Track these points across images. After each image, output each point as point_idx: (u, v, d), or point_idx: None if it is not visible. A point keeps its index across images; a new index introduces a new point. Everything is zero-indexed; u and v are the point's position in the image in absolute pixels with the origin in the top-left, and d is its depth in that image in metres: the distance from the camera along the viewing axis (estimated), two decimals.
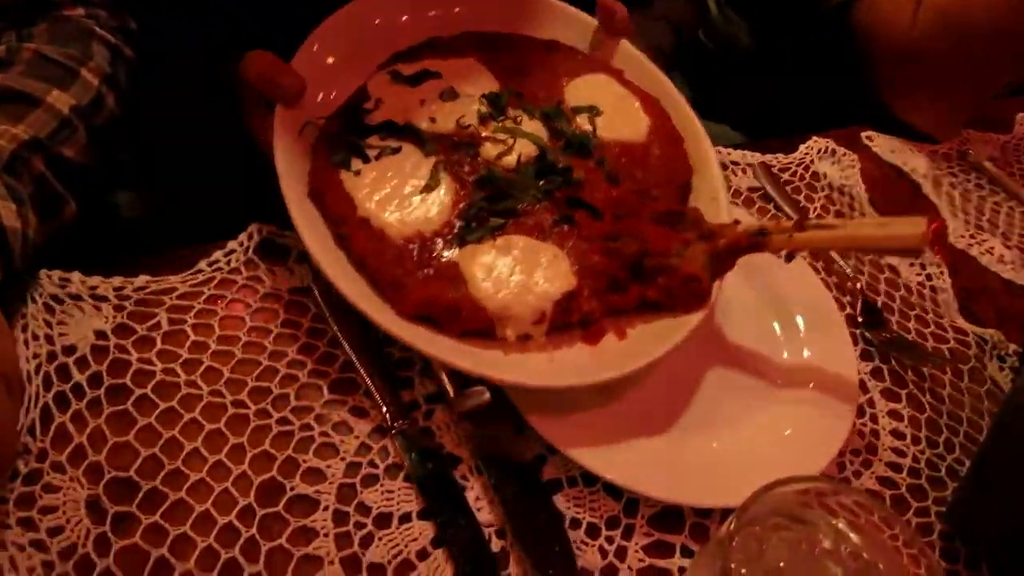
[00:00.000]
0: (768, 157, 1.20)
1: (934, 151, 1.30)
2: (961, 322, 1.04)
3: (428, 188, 0.83)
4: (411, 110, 0.89)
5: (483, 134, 0.89)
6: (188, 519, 0.70)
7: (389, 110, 0.88)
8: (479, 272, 0.79)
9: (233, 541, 0.69)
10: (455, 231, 0.81)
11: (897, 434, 0.91)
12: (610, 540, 0.76)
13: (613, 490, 0.79)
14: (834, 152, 1.23)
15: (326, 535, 0.71)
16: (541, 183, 0.86)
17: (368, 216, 0.80)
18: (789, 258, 0.85)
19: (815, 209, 1.15)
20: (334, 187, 0.82)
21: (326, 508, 0.72)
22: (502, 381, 0.75)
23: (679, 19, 1.32)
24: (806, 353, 0.93)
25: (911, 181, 1.24)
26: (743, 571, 0.55)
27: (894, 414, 0.93)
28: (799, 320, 0.96)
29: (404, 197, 0.82)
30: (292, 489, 0.73)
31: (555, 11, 1.03)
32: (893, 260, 1.10)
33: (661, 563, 0.75)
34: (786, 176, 1.19)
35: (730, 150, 1.20)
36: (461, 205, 0.83)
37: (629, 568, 0.75)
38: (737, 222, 0.85)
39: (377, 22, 0.96)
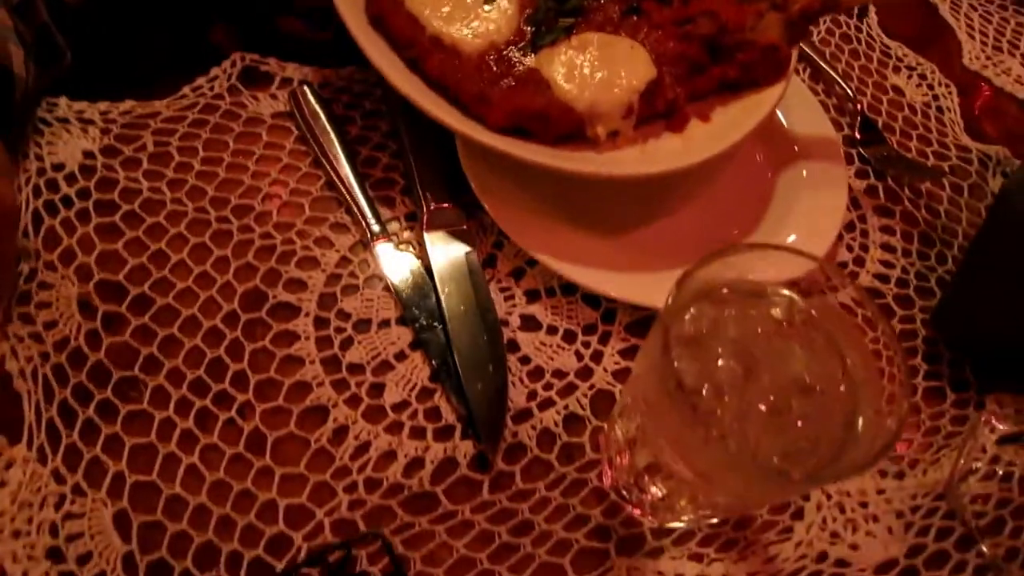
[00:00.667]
0: None
1: None
2: (966, 140, 1.01)
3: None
4: None
5: None
6: (175, 322, 0.73)
7: None
8: (561, 74, 0.78)
9: (218, 342, 0.73)
10: (527, 37, 0.80)
11: (887, 247, 0.90)
12: (586, 345, 0.78)
13: (592, 300, 0.80)
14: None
15: (307, 338, 0.74)
16: None
17: (438, 34, 0.79)
18: (862, 14, 0.91)
19: (821, 32, 1.10)
20: (395, 8, 0.80)
21: (307, 314, 0.76)
22: (600, 175, 0.75)
23: None
24: (804, 173, 0.91)
25: (928, 3, 1.17)
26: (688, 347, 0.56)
27: (886, 229, 0.92)
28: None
29: (469, 10, 0.80)
30: (274, 297, 0.76)
31: None
32: (899, 80, 1.06)
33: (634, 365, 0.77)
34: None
35: None
36: (527, 11, 0.82)
37: (604, 369, 0.77)
38: None
39: None
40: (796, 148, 0.92)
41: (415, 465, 0.70)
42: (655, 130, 0.81)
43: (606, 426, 0.73)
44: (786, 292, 0.58)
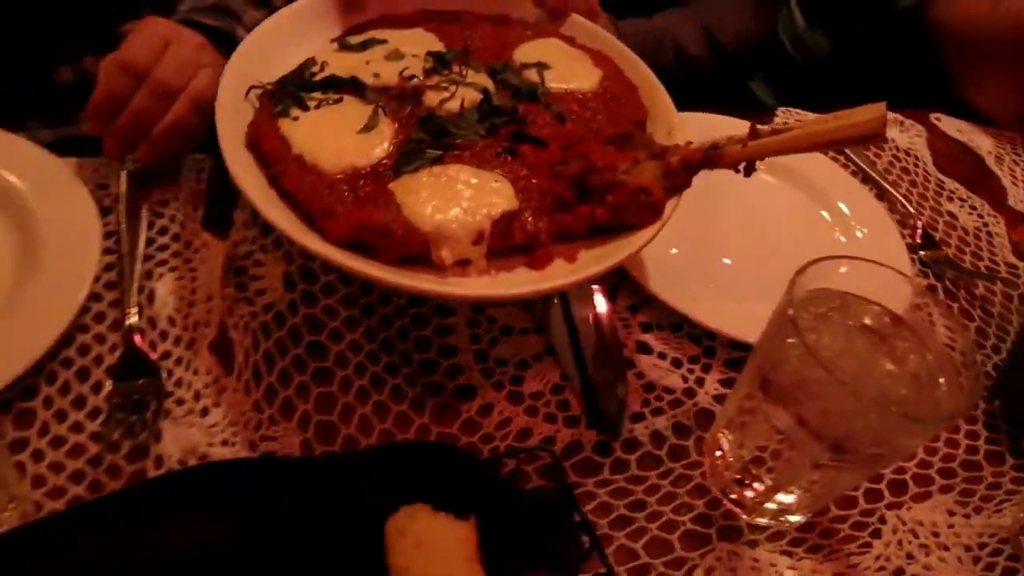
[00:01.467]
0: None
1: (999, 134, 1.43)
2: (1013, 259, 1.16)
3: (367, 128, 0.82)
4: (355, 68, 0.88)
5: (427, 84, 0.87)
6: (355, 307, 0.88)
7: (333, 71, 0.88)
8: (414, 198, 0.76)
9: (389, 326, 0.87)
10: (391, 166, 0.79)
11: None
12: (691, 371, 0.91)
13: (695, 338, 0.94)
14: (902, 123, 1.37)
15: (461, 333, 0.88)
16: (483, 125, 0.84)
17: (302, 152, 0.78)
18: (748, 171, 0.79)
19: (882, 163, 1.29)
20: (271, 133, 0.80)
21: (462, 314, 0.90)
22: (439, 294, 0.74)
23: (711, 21, 1.38)
24: (859, 233, 1.06)
25: (974, 155, 1.36)
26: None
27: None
28: (843, 206, 1.10)
29: (340, 137, 0.80)
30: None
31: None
32: (953, 207, 1.23)
33: None
34: None
35: (804, 112, 1.34)
36: (401, 142, 0.81)
37: (706, 393, 0.89)
38: (690, 143, 0.81)
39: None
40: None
41: (547, 443, 0.81)
42: (511, 263, 0.78)
43: (709, 435, 0.84)
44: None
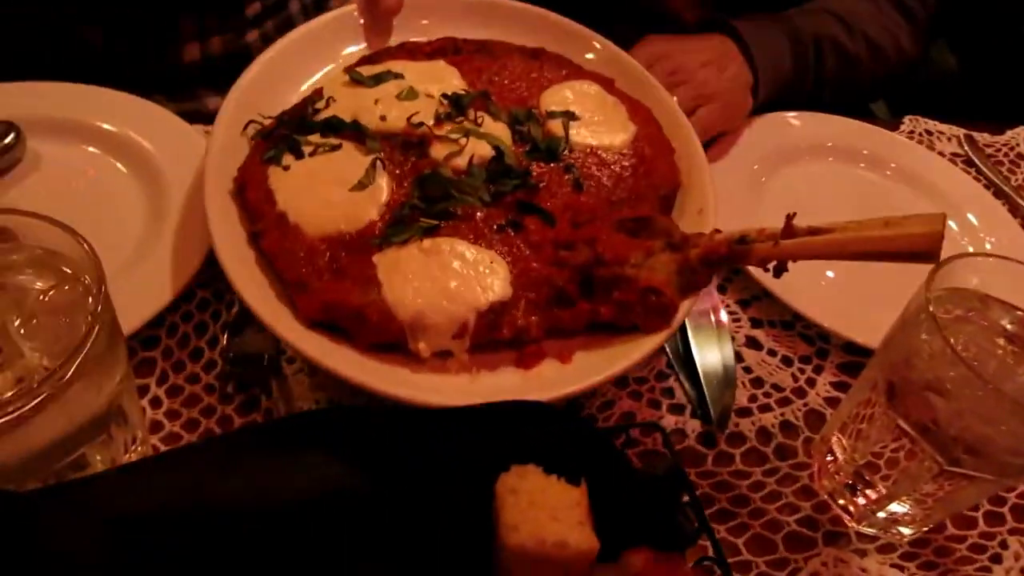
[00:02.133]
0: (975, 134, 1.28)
1: None
2: None
3: (360, 186, 0.74)
4: (362, 108, 0.80)
5: (436, 133, 0.79)
6: None
7: (339, 109, 0.81)
8: (397, 276, 0.68)
9: None
10: (380, 232, 0.72)
11: None
12: (801, 371, 0.87)
13: (807, 338, 0.90)
14: None
15: None
16: (492, 186, 0.76)
17: (286, 210, 0.72)
18: (778, 271, 0.70)
19: (1017, 180, 1.21)
20: (258, 183, 0.74)
21: None
22: (403, 399, 0.64)
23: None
24: (988, 244, 0.98)
25: None
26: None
27: None
28: (971, 217, 1.02)
29: (330, 194, 0.73)
30: None
31: (545, 22, 0.97)
32: None
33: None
34: (990, 151, 1.26)
35: (934, 121, 1.28)
36: (397, 204, 0.74)
37: (817, 394, 0.85)
38: (717, 232, 0.72)
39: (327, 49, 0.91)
40: None
41: (651, 428, 0.79)
42: (497, 361, 0.70)
43: (820, 437, 0.80)
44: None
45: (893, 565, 0.74)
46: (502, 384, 0.68)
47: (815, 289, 0.90)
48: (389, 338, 0.67)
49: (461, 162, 0.78)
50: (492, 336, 0.69)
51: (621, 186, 0.80)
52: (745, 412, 0.82)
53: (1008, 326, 0.66)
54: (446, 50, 0.92)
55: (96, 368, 0.52)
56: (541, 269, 0.71)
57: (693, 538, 0.60)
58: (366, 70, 0.86)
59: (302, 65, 0.89)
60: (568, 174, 0.80)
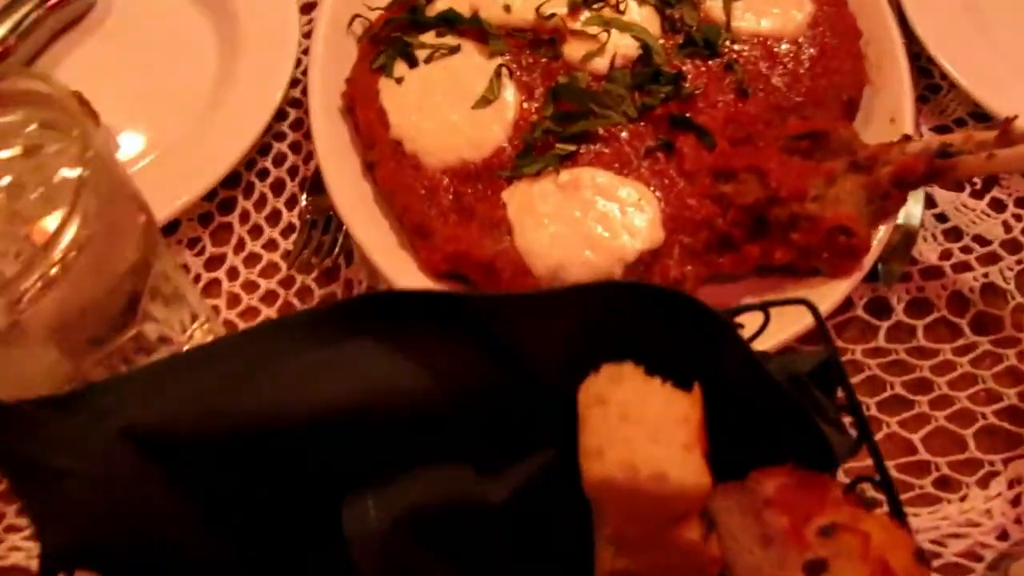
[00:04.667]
0: None
1: None
2: None
3: (485, 100, 0.64)
4: None
5: (570, 26, 0.68)
6: None
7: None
8: (531, 219, 0.60)
9: None
10: (510, 160, 0.63)
11: None
12: (1018, 218, 0.69)
13: None
14: None
15: None
16: (638, 95, 0.65)
17: (401, 138, 0.64)
18: (984, 191, 0.62)
19: None
20: (368, 99, 0.66)
21: None
22: None
23: None
24: None
25: None
26: None
27: None
28: None
29: (449, 113, 0.65)
30: None
31: None
32: None
33: None
34: None
35: None
36: (526, 124, 0.64)
37: None
38: (908, 138, 0.61)
39: None
40: None
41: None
42: None
43: None
44: None
45: None
46: None
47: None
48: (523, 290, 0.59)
49: (601, 64, 0.66)
50: None
51: (795, 88, 0.66)
52: (934, 272, 0.66)
53: None
54: None
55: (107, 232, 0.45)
56: (699, 207, 0.60)
57: (852, 451, 0.46)
58: None
59: None
60: (730, 74, 0.66)
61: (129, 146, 0.73)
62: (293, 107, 0.75)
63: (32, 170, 0.48)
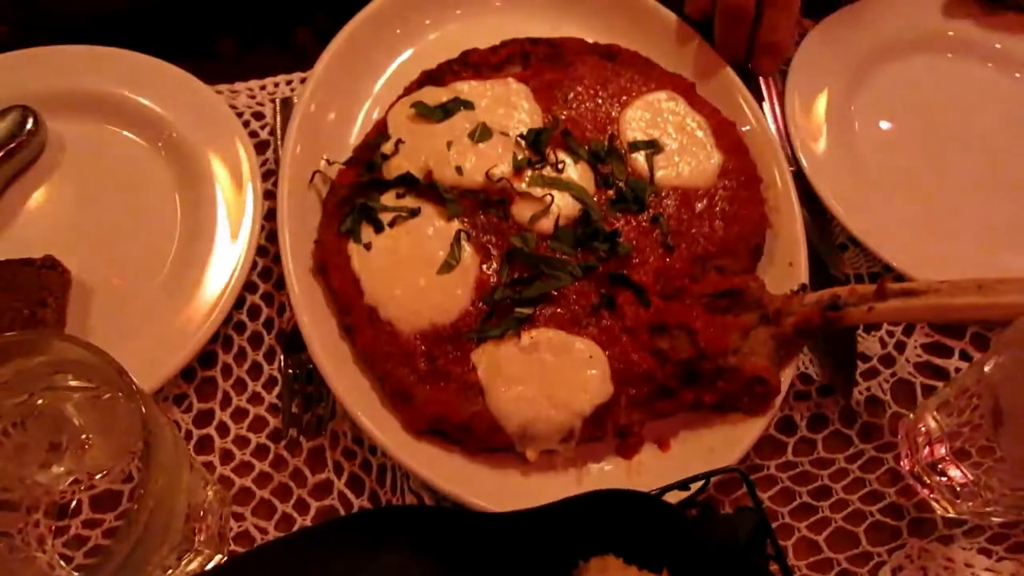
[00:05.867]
0: None
1: None
2: None
3: (447, 266, 0.72)
4: (435, 155, 0.77)
5: (517, 188, 0.77)
6: None
7: (409, 155, 0.77)
8: (499, 381, 0.68)
9: None
10: (475, 322, 0.71)
11: None
12: (891, 334, 0.82)
13: None
14: None
15: None
16: (581, 254, 0.75)
17: (375, 304, 0.71)
18: (868, 330, 0.75)
19: None
20: (340, 263, 0.73)
21: None
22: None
23: None
24: None
25: None
26: None
27: None
28: None
29: (417, 279, 0.72)
30: None
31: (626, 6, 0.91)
32: None
33: (938, 361, 0.81)
34: None
35: None
36: (487, 286, 0.73)
37: (907, 360, 0.80)
38: (804, 288, 0.74)
39: (398, 31, 0.88)
40: None
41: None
42: (602, 451, 0.71)
43: (913, 414, 0.76)
44: None
45: (981, 550, 0.73)
46: (607, 479, 0.70)
47: (907, 236, 0.83)
48: (497, 446, 0.69)
49: (547, 223, 0.75)
50: (595, 435, 0.70)
51: (711, 239, 0.77)
52: (827, 390, 0.78)
53: None
54: (513, 58, 0.85)
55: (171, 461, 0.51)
56: (641, 360, 0.70)
57: None
58: (431, 98, 0.81)
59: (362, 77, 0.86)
60: (656, 228, 0.77)
61: (103, 305, 0.75)
62: (260, 255, 0.79)
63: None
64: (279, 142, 0.83)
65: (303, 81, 0.84)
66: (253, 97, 0.89)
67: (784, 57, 0.89)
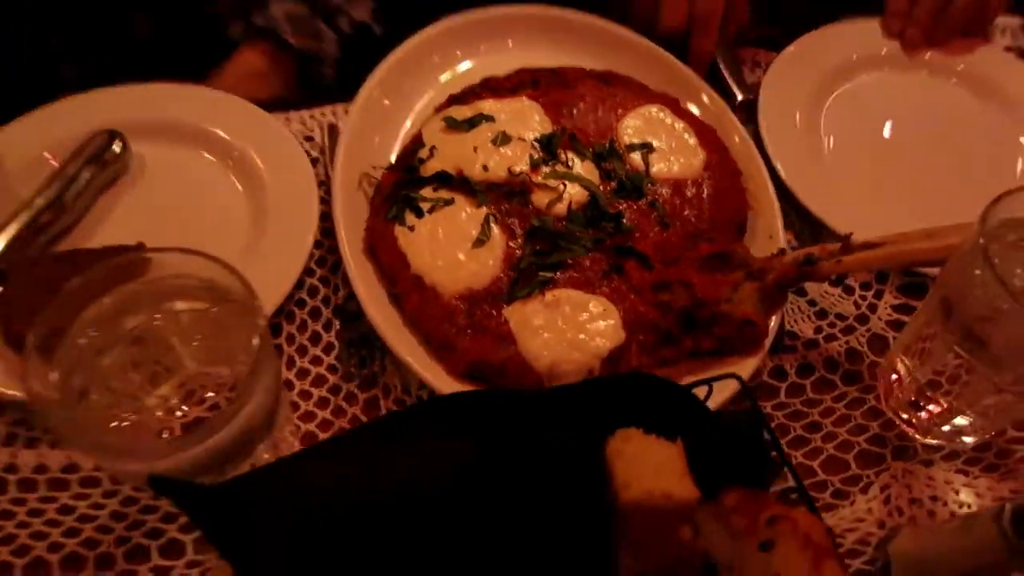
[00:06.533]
0: None
1: None
2: None
3: (479, 242, 0.86)
4: (464, 158, 0.90)
5: (535, 180, 0.90)
6: None
7: (442, 159, 0.90)
8: (528, 331, 0.80)
9: None
10: (505, 286, 0.84)
11: None
12: (863, 298, 0.95)
13: None
14: None
15: None
16: (591, 232, 0.88)
17: (421, 273, 0.83)
18: (838, 282, 0.90)
19: None
20: (388, 243, 0.86)
21: None
22: None
23: None
24: None
25: None
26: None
27: None
28: None
29: (455, 252, 0.85)
30: None
31: (612, 38, 1.08)
32: None
33: (906, 318, 0.93)
34: None
35: None
36: (513, 257, 0.86)
37: (879, 318, 0.93)
38: (783, 251, 0.85)
39: (435, 59, 1.05)
40: None
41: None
42: None
43: (885, 360, 0.87)
44: None
45: (958, 471, 0.83)
46: None
47: (871, 212, 0.98)
48: (529, 385, 0.79)
49: (562, 208, 0.89)
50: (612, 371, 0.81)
51: (701, 218, 0.92)
52: (812, 344, 0.91)
53: None
54: (525, 83, 1.00)
55: (264, 371, 0.62)
56: (647, 312, 0.83)
57: (776, 473, 0.68)
58: (458, 114, 0.95)
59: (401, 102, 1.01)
60: (654, 211, 0.91)
61: None
62: (316, 248, 0.91)
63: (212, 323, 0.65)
64: (327, 159, 0.97)
65: (346, 112, 1.00)
66: (304, 124, 1.04)
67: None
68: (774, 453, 0.70)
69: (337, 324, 0.88)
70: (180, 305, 0.67)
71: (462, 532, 0.62)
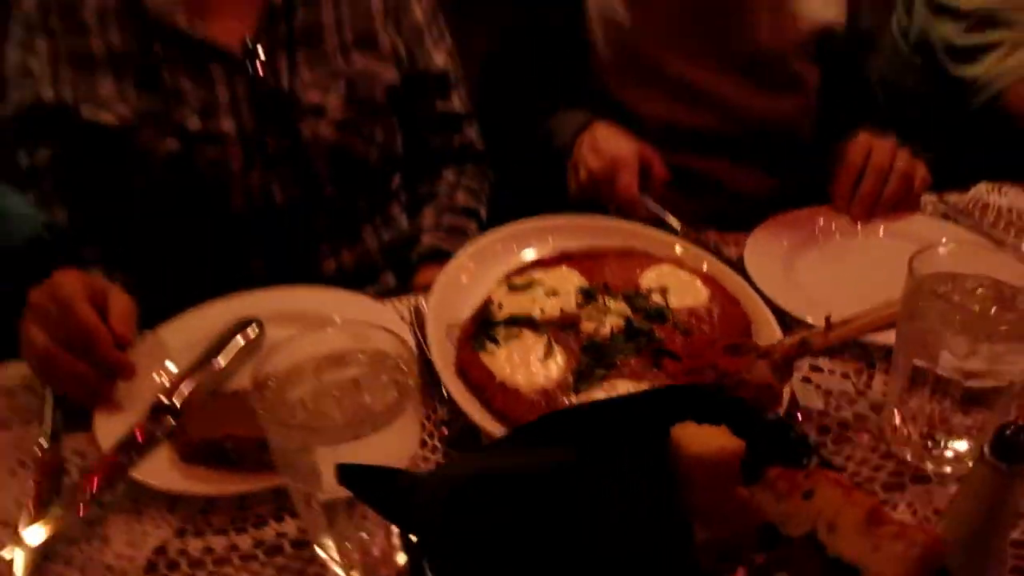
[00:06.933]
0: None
1: None
2: None
3: (546, 356, 1.09)
4: (525, 307, 1.17)
5: (582, 316, 1.16)
6: None
7: (508, 308, 1.17)
8: None
9: None
10: (571, 384, 1.05)
11: None
12: (859, 378, 1.16)
13: (856, 356, 1.19)
14: (1001, 189, 1.62)
15: None
16: (631, 344, 1.11)
17: (504, 380, 1.05)
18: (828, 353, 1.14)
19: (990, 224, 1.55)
20: (476, 364, 1.08)
21: None
22: None
23: None
24: None
25: None
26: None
27: None
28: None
29: (529, 365, 1.08)
30: None
31: (628, 231, 1.40)
32: None
33: None
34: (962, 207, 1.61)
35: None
36: (572, 366, 1.08)
37: (875, 391, 1.13)
38: (783, 340, 1.06)
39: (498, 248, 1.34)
40: None
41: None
42: None
43: (886, 413, 1.04)
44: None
45: None
46: None
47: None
48: None
49: (605, 331, 1.15)
50: None
51: (713, 331, 1.17)
52: (823, 414, 1.11)
53: (979, 290, 0.96)
54: (563, 260, 1.31)
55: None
56: None
57: (808, 454, 0.85)
58: (517, 280, 1.25)
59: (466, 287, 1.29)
60: (676, 330, 1.17)
61: None
62: None
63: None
64: (417, 330, 1.24)
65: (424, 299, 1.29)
66: (395, 307, 1.33)
67: None
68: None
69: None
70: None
71: (564, 519, 0.79)
